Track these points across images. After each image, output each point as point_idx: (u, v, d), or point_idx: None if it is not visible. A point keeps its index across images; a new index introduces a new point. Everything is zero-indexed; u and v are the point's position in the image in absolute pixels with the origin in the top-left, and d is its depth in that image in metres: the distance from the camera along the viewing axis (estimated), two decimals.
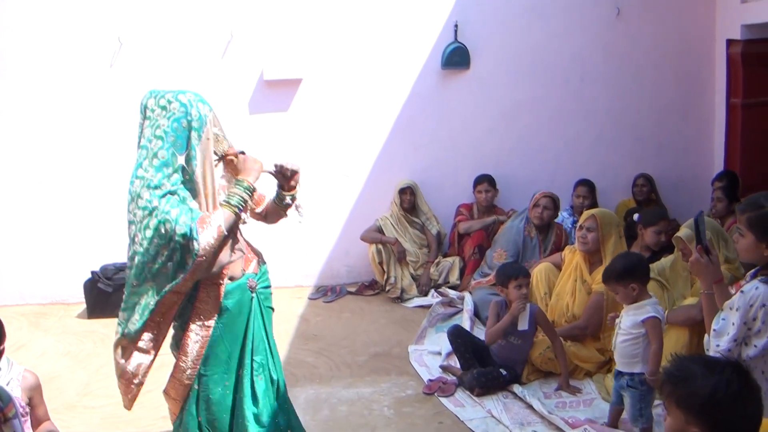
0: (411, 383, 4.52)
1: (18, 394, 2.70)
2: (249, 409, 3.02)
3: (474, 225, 6.31)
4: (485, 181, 6.40)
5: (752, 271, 2.90)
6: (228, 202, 2.86)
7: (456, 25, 6.46)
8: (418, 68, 6.53)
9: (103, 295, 5.88)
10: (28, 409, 2.67)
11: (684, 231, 4.22)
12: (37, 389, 2.70)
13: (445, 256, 6.50)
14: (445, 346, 4.87)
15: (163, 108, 2.80)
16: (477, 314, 5.44)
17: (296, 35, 6.30)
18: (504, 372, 4.30)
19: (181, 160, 2.77)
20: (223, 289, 2.91)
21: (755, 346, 2.73)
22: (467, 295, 5.73)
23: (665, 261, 4.58)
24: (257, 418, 3.04)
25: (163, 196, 2.71)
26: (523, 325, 4.26)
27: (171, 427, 4.00)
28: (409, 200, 6.43)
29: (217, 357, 2.95)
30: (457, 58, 6.49)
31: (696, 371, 1.86)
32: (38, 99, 6.12)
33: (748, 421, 1.83)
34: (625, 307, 3.68)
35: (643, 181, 6.60)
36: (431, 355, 4.91)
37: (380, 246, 6.22)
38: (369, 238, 6.33)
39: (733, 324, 2.73)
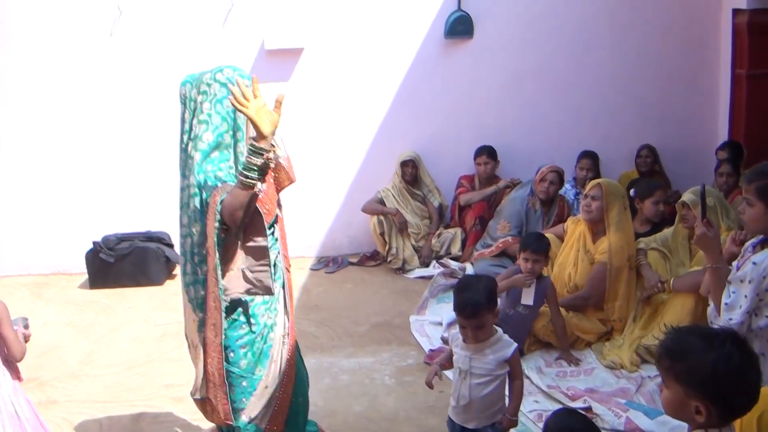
0: (412, 353, 4.53)
1: None
2: None
3: (474, 196, 6.29)
4: (484, 153, 6.36)
5: (753, 240, 2.86)
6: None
7: None
8: (420, 37, 6.46)
9: (105, 265, 5.89)
10: None
11: (688, 196, 4.20)
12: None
13: (446, 227, 6.49)
14: (446, 316, 4.88)
15: (204, 93, 2.73)
16: None
17: (297, 4, 6.22)
18: None
19: (227, 138, 2.75)
20: None
21: (766, 317, 2.70)
22: (469, 266, 5.72)
23: (667, 231, 4.60)
24: None
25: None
26: (527, 299, 4.22)
27: (171, 396, 4.05)
28: (410, 173, 6.40)
29: None
30: (460, 26, 6.41)
31: (695, 345, 1.84)
32: (38, 69, 6.07)
33: (748, 391, 1.83)
34: (474, 348, 2.90)
35: (647, 152, 6.55)
36: (432, 325, 4.91)
37: (381, 217, 6.20)
38: (370, 209, 6.31)
39: (746, 296, 2.69)
